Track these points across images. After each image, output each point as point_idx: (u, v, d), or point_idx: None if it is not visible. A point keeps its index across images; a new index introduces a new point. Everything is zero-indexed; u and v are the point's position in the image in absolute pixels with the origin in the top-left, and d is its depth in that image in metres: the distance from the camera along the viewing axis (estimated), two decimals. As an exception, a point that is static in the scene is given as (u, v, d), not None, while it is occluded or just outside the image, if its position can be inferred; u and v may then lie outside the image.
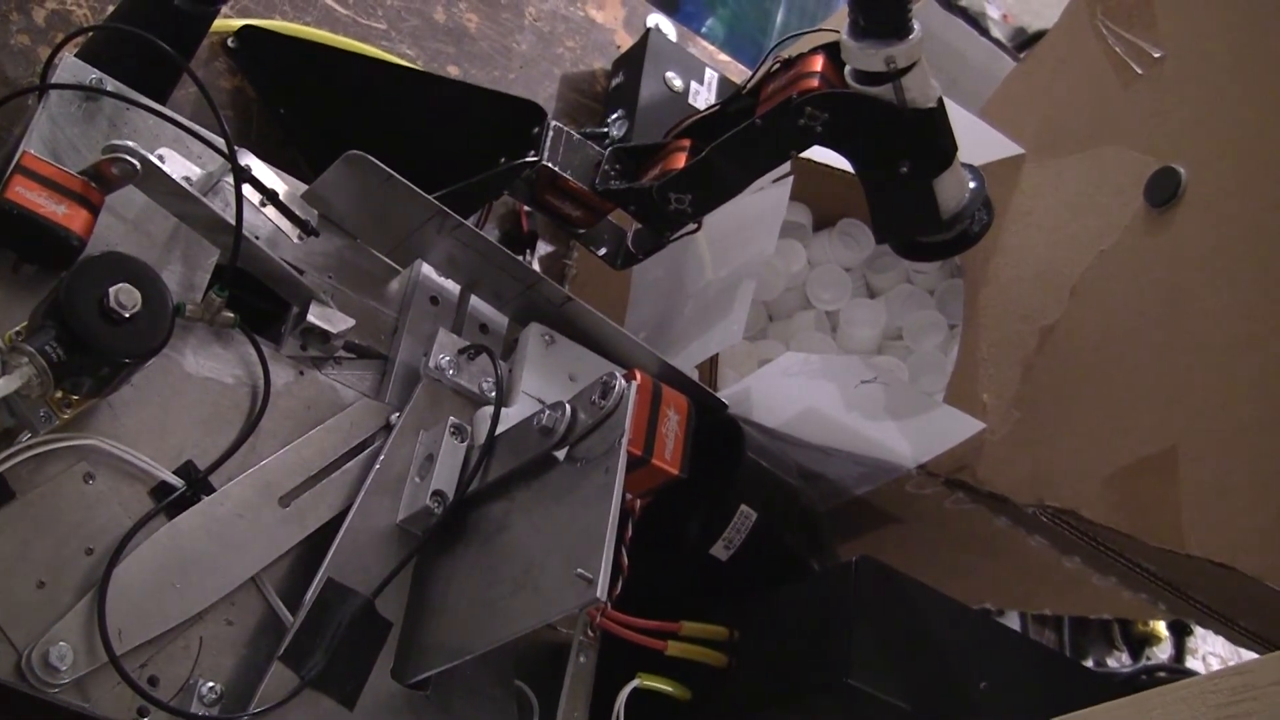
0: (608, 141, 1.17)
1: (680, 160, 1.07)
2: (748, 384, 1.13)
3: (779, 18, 2.32)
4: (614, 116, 1.52)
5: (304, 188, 1.06)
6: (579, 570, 0.82)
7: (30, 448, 0.85)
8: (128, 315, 0.83)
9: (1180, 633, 1.76)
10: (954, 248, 1.06)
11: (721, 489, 1.04)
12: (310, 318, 1.01)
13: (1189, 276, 1.02)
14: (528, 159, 1.11)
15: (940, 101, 0.96)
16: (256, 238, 1.01)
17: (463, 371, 1.06)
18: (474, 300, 1.13)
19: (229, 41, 1.26)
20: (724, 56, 1.81)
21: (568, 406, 0.94)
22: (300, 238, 1.06)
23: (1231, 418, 0.96)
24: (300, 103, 1.26)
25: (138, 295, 0.84)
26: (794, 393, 1.11)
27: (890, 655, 0.91)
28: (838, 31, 0.95)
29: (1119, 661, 1.70)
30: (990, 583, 1.34)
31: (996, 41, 1.61)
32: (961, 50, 1.57)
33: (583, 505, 0.89)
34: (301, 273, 1.04)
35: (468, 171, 1.11)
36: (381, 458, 0.99)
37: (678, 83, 1.56)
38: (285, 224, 1.05)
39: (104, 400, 0.89)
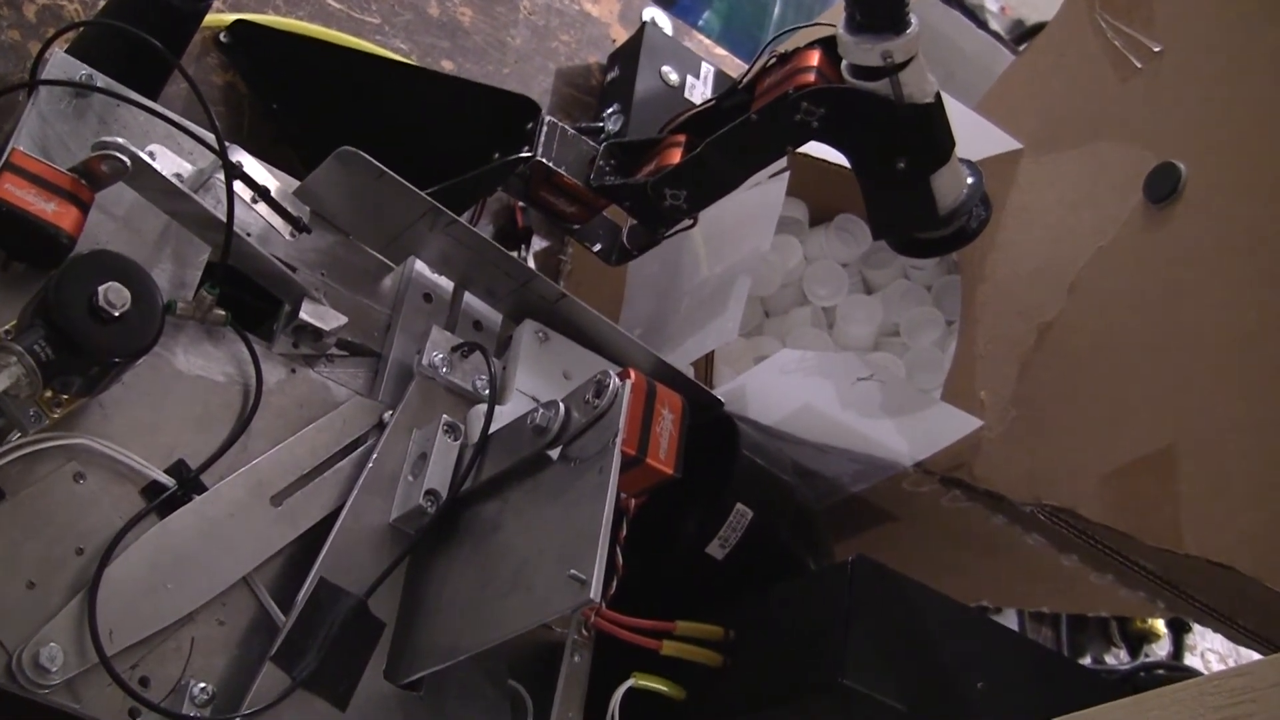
0: (603, 137, 1.16)
1: (675, 156, 1.07)
2: (743, 381, 1.12)
3: (776, 12, 2.31)
4: (609, 111, 1.52)
5: (296, 184, 1.06)
6: (572, 571, 0.82)
7: (20, 447, 0.84)
8: (117, 314, 0.83)
9: (1179, 630, 1.76)
10: (952, 244, 1.06)
11: (717, 487, 1.04)
12: (302, 315, 1.01)
13: (1188, 273, 1.01)
14: (522, 154, 1.10)
15: (938, 96, 0.95)
16: (248, 235, 1.01)
17: (456, 369, 1.05)
18: (467, 297, 1.13)
19: (221, 36, 1.26)
20: (720, 50, 1.80)
21: (561, 405, 0.93)
22: (292, 235, 1.05)
23: (1230, 416, 0.95)
24: (293, 98, 1.25)
25: (127, 294, 0.83)
26: (790, 390, 1.11)
27: (886, 655, 0.91)
28: (834, 26, 0.95)
29: (1117, 659, 1.70)
30: (987, 581, 1.33)
31: (995, 34, 1.61)
32: (959, 43, 1.57)
33: (576, 505, 0.88)
34: (294, 270, 1.03)
35: (462, 167, 1.10)
36: (374, 456, 0.99)
37: (673, 77, 1.56)
38: (277, 221, 1.05)
39: (94, 399, 0.89)
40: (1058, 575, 1.17)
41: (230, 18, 1.26)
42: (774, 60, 1.04)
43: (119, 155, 0.89)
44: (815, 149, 1.03)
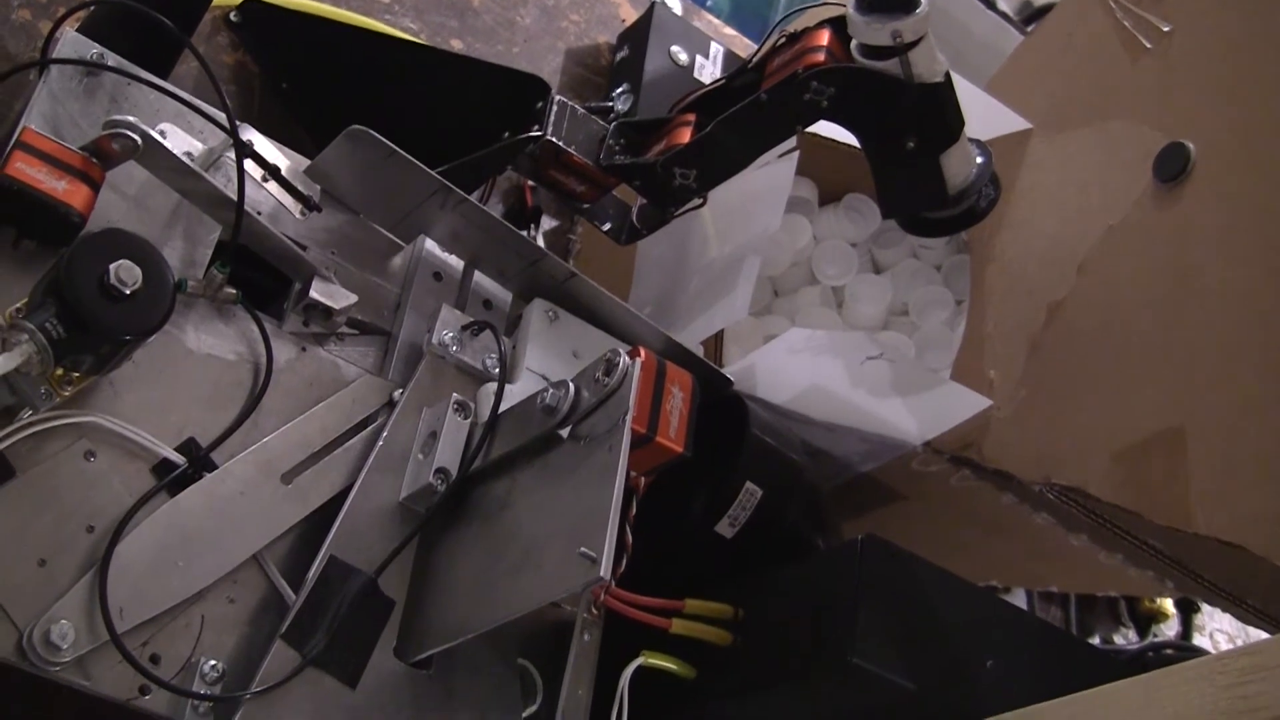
0: (612, 116, 1.16)
1: (685, 135, 1.07)
2: (753, 360, 1.12)
3: (783, -7, 2.31)
4: (619, 91, 1.52)
5: (306, 163, 1.06)
6: (582, 549, 0.82)
7: (30, 425, 0.85)
8: (128, 292, 0.83)
9: (1187, 610, 1.76)
10: (961, 223, 1.06)
11: (726, 466, 1.04)
12: (313, 294, 1.01)
13: (1198, 253, 1.01)
14: (531, 134, 1.10)
15: (947, 76, 0.95)
16: (258, 213, 1.01)
17: (466, 348, 1.05)
18: (477, 276, 1.13)
19: (231, 16, 1.26)
20: (729, 30, 1.80)
21: (571, 384, 0.93)
22: (302, 213, 1.05)
23: (1239, 395, 0.95)
24: (303, 78, 1.26)
25: (138, 272, 0.83)
26: (799, 369, 1.11)
27: (895, 634, 0.91)
28: (844, 5, 0.95)
29: (1125, 639, 1.70)
30: (996, 560, 1.33)
31: (1004, 15, 1.61)
32: (968, 24, 1.57)
33: (586, 484, 0.88)
34: (304, 248, 1.03)
35: (471, 147, 1.10)
36: (384, 434, 0.99)
37: (683, 57, 1.56)
38: (288, 200, 1.05)
39: (105, 377, 0.89)
40: (1067, 554, 1.17)
41: (240, -3, 1.26)
42: (783, 40, 1.04)
43: (130, 134, 0.89)
44: (824, 128, 1.03)
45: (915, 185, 1.02)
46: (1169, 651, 1.68)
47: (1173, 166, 1.05)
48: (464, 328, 1.06)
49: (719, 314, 1.14)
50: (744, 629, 0.99)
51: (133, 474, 0.89)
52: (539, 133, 1.10)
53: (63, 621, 0.82)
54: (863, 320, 1.35)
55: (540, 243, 1.27)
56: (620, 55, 1.59)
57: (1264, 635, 1.22)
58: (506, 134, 1.11)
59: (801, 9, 1.12)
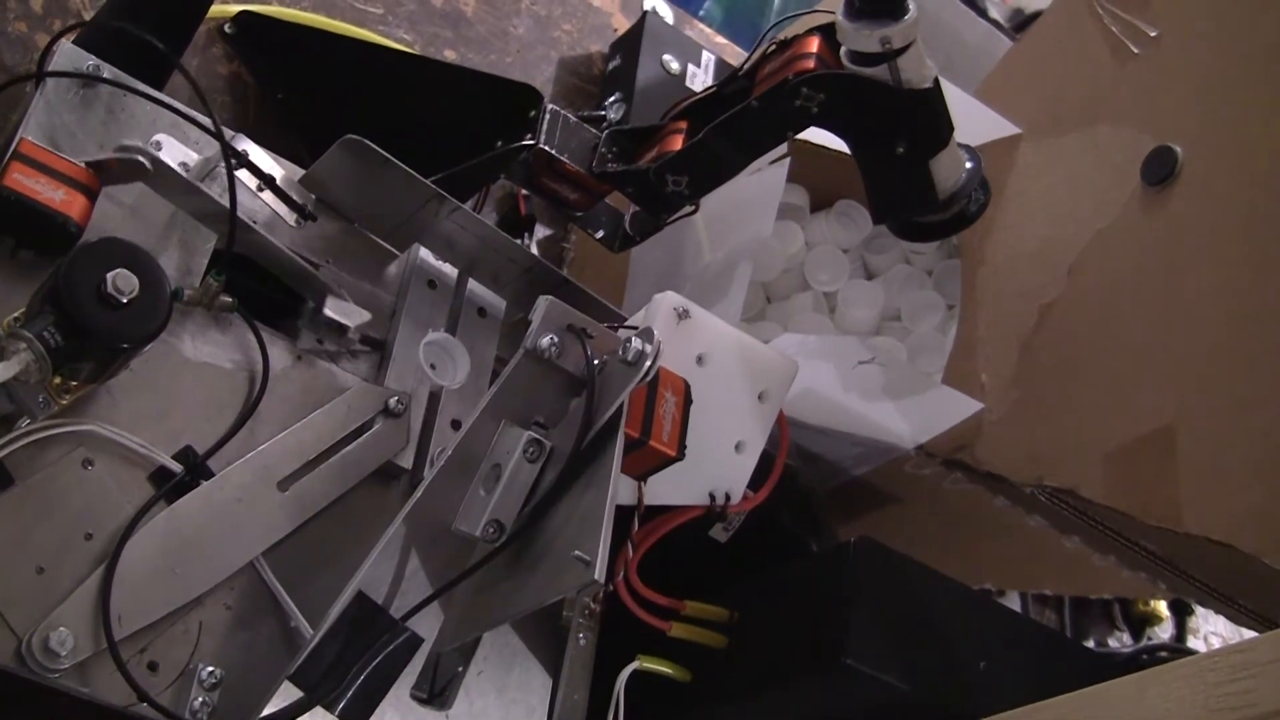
0: (605, 125, 1.16)
1: (677, 142, 1.07)
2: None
3: (776, 1, 2.31)
4: (611, 100, 1.52)
5: (301, 173, 1.06)
6: (577, 552, 0.82)
7: (29, 433, 0.85)
8: (125, 301, 0.83)
9: (1181, 613, 1.76)
10: (951, 228, 1.06)
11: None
12: (328, 312, 1.01)
13: (1186, 254, 1.02)
14: (524, 142, 1.11)
15: (936, 82, 0.96)
16: (254, 223, 1.01)
17: (567, 353, 0.97)
18: (472, 284, 1.13)
19: (226, 27, 1.26)
20: (721, 39, 1.81)
21: None
22: (297, 222, 1.06)
23: (1229, 395, 0.96)
24: (298, 88, 1.26)
25: (135, 281, 0.84)
26: (792, 374, 1.11)
27: (889, 636, 0.91)
28: (834, 13, 0.95)
29: (1120, 641, 1.71)
30: (989, 563, 1.34)
31: (994, 22, 1.61)
32: (959, 31, 1.57)
33: (581, 488, 0.89)
34: (317, 266, 1.03)
35: (465, 155, 1.11)
36: (461, 435, 0.94)
37: (675, 65, 1.56)
38: (283, 209, 1.05)
39: (102, 386, 0.89)
40: (1060, 557, 1.18)
41: (235, 8, 1.26)
42: (774, 47, 1.04)
43: (141, 159, 0.90)
44: (815, 134, 1.03)
45: (905, 189, 1.02)
46: (1163, 654, 1.68)
47: (1161, 170, 1.06)
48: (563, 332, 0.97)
49: (712, 320, 1.15)
50: (739, 632, 0.99)
51: (130, 482, 0.90)
52: (532, 141, 1.11)
53: (62, 628, 0.82)
54: (855, 325, 1.36)
55: (534, 250, 1.28)
56: (612, 64, 1.60)
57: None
58: (500, 143, 1.12)
59: (793, 16, 1.12)
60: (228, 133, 1.00)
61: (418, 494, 0.91)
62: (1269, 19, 1.03)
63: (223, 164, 1.00)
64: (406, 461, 1.02)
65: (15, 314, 0.84)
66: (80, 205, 0.89)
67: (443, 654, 0.95)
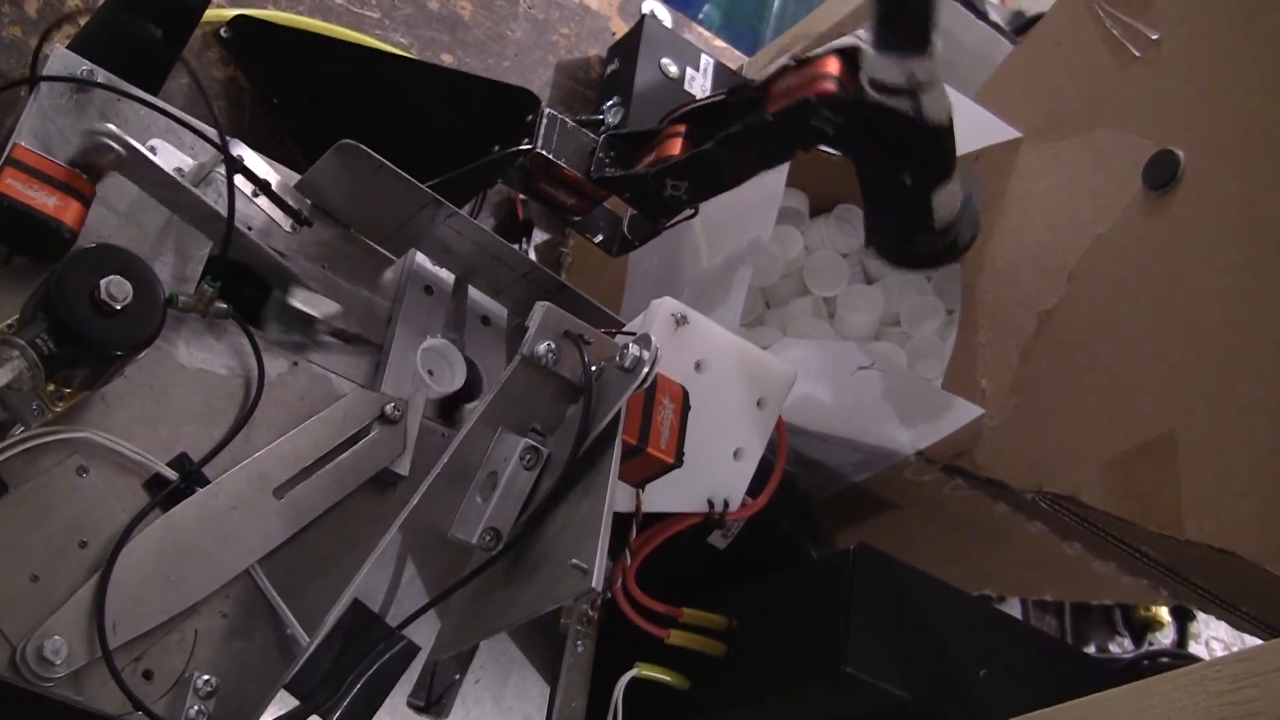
0: (603, 129, 1.16)
1: (676, 146, 1.07)
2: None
3: (776, 4, 2.31)
4: (609, 104, 1.52)
5: (297, 178, 1.06)
6: (574, 560, 0.82)
7: (23, 441, 0.85)
8: (119, 307, 0.83)
9: (1183, 618, 1.76)
10: (941, 259, 1.06)
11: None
12: (293, 301, 1.01)
13: (1187, 260, 1.01)
14: (521, 147, 1.10)
15: (951, 117, 0.95)
16: (249, 228, 1.01)
17: (564, 360, 0.97)
18: (472, 291, 1.13)
19: (222, 31, 1.26)
20: (720, 42, 1.81)
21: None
22: (293, 228, 1.05)
23: (1230, 401, 0.95)
24: (294, 92, 1.26)
25: (129, 287, 0.83)
26: (791, 380, 1.11)
27: (888, 643, 0.91)
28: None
29: (1121, 647, 1.70)
30: (989, 569, 1.33)
31: (994, 25, 1.61)
32: (959, 34, 1.56)
33: (578, 495, 0.88)
34: (285, 257, 1.03)
35: (462, 160, 1.11)
36: (456, 443, 0.94)
37: (673, 69, 1.56)
38: (278, 214, 1.05)
39: (96, 393, 0.89)
40: (1060, 563, 1.17)
41: (231, 13, 1.26)
42: (792, 64, 1.04)
43: (112, 144, 0.89)
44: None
45: (904, 218, 1.02)
46: (1164, 660, 1.68)
47: (1162, 174, 1.05)
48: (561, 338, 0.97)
49: (710, 325, 1.14)
50: (737, 639, 0.99)
51: (125, 489, 0.89)
52: (529, 146, 1.10)
53: (56, 637, 0.82)
54: (854, 330, 1.35)
55: (532, 255, 1.28)
56: (610, 68, 1.60)
57: (1258, 642, 1.22)
58: (497, 147, 1.11)
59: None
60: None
61: (414, 501, 0.90)
62: (1271, 21, 1.02)
63: (218, 169, 1.00)
64: (403, 468, 1.01)
65: (8, 321, 0.84)
66: (74, 211, 0.88)
67: (439, 662, 0.95)
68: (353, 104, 1.25)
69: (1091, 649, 1.68)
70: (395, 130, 1.13)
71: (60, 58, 0.99)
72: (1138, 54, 1.12)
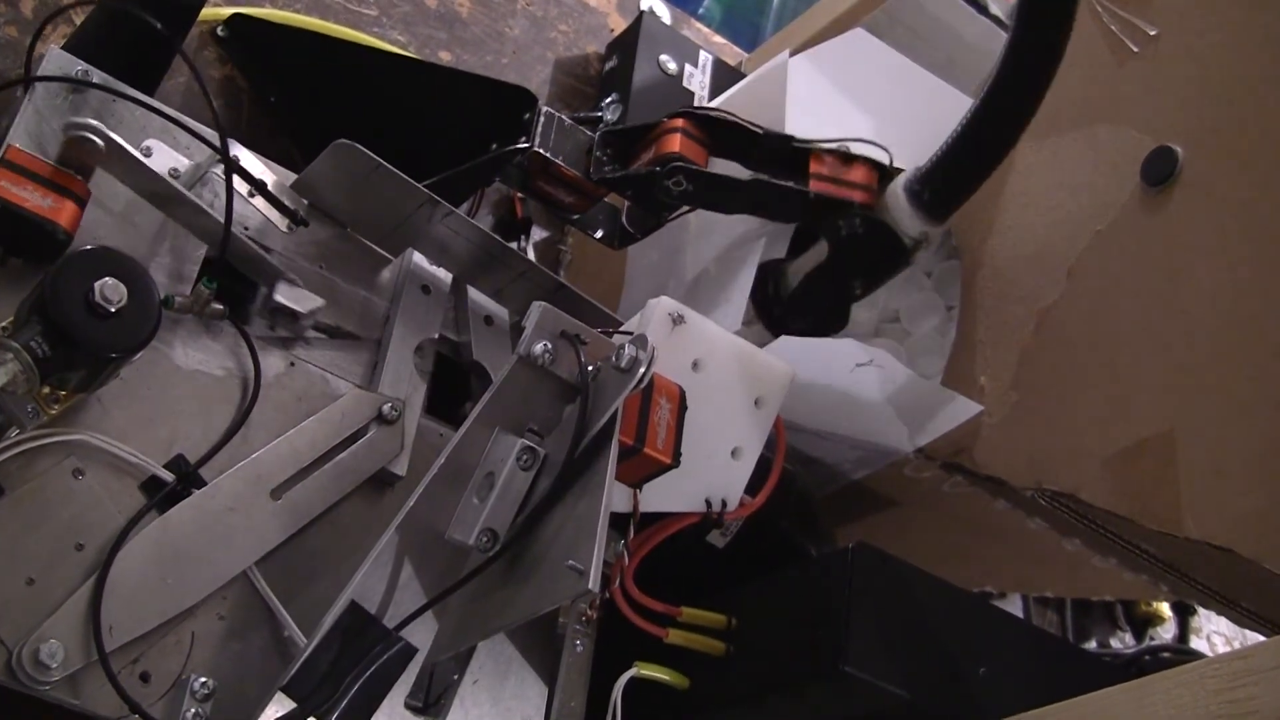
0: (602, 126, 1.16)
1: (674, 143, 1.07)
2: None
3: (775, 0, 2.31)
4: (608, 101, 1.52)
5: (293, 177, 1.06)
6: (570, 561, 0.82)
7: (18, 444, 0.84)
8: (114, 310, 0.83)
9: (1184, 613, 1.76)
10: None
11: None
12: (277, 297, 1.01)
13: (1186, 256, 1.01)
14: (519, 145, 1.10)
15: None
16: (245, 229, 1.01)
17: (560, 360, 0.96)
18: (472, 292, 1.13)
19: (219, 30, 1.26)
20: (719, 39, 1.80)
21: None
22: (290, 228, 1.05)
23: (1229, 399, 0.95)
24: (291, 91, 1.26)
25: (124, 289, 0.83)
26: (790, 377, 1.11)
27: (888, 642, 0.91)
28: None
29: (1122, 642, 1.70)
30: (989, 566, 1.33)
31: (994, 18, 1.60)
32: (958, 28, 1.56)
33: (574, 496, 0.88)
34: (269, 250, 1.03)
35: (459, 159, 1.10)
36: (452, 447, 0.93)
37: (672, 66, 1.56)
38: (274, 214, 1.05)
39: (92, 395, 0.89)
40: (1060, 560, 1.17)
41: (227, 11, 1.26)
42: (839, 148, 1.06)
43: (91, 136, 0.89)
44: (809, 133, 1.03)
45: (828, 313, 1.13)
46: (1165, 655, 1.68)
47: (1161, 170, 1.05)
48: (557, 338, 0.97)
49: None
50: (737, 638, 0.98)
51: (121, 491, 0.89)
52: (526, 144, 1.10)
53: (52, 640, 0.82)
54: (853, 327, 1.35)
55: (531, 254, 1.28)
56: (609, 65, 1.59)
57: (1259, 638, 1.22)
58: (494, 146, 1.11)
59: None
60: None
61: (411, 502, 0.90)
62: (1270, 17, 1.02)
63: (213, 169, 1.00)
64: (400, 468, 1.01)
65: (3, 323, 0.83)
66: (69, 212, 0.88)
67: (438, 663, 0.95)
68: (350, 103, 1.25)
69: (1093, 644, 1.68)
70: (392, 129, 1.12)
71: (55, 58, 0.99)
72: (1136, 50, 1.11)
